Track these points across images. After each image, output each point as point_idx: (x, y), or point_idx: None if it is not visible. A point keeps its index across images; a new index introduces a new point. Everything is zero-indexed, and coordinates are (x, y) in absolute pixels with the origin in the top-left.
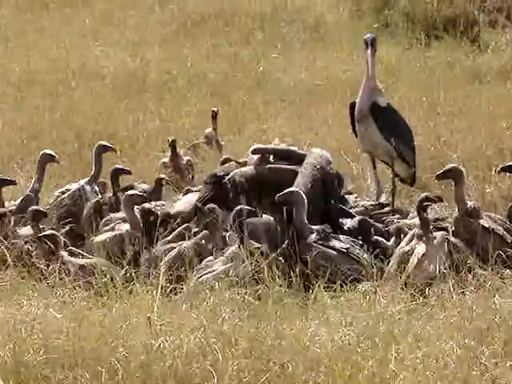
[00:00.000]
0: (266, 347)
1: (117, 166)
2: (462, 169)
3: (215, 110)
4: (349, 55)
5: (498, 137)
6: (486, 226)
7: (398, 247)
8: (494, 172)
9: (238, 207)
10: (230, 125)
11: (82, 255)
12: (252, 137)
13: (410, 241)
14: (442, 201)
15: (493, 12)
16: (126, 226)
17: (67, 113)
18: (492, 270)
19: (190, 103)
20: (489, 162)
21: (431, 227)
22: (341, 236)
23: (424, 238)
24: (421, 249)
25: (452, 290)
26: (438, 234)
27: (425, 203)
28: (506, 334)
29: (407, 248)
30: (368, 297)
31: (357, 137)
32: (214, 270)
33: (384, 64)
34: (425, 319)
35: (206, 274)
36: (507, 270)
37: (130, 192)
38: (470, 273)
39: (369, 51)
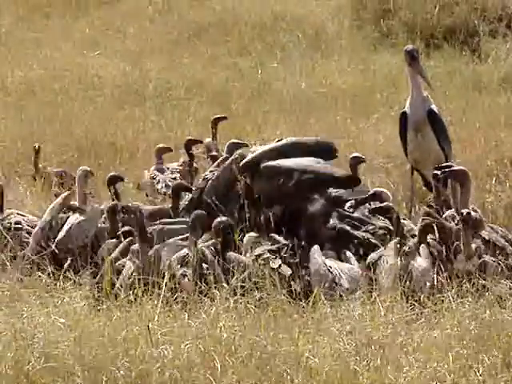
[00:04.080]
0: (265, 356)
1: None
2: (469, 173)
3: (219, 116)
4: (348, 65)
5: (499, 146)
6: (487, 238)
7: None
8: (494, 181)
9: None
10: (230, 134)
11: None
12: (252, 146)
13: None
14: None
15: (493, 22)
16: None
17: (67, 122)
18: (492, 280)
19: (190, 112)
20: (489, 172)
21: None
22: None
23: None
24: (421, 262)
25: (451, 299)
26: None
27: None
28: (506, 344)
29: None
30: (367, 306)
31: (405, 146)
32: None
33: (384, 73)
34: (424, 329)
35: None
36: (507, 281)
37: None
38: (469, 282)
39: (410, 63)
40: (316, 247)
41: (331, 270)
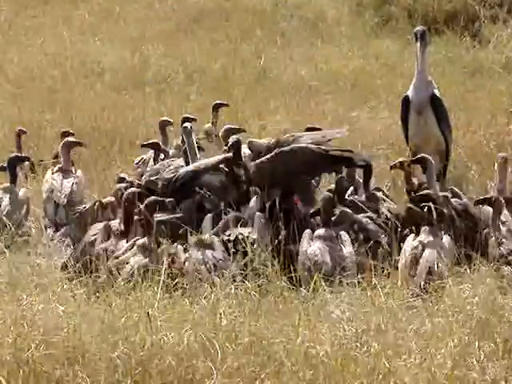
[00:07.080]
0: (266, 343)
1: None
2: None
3: (220, 102)
4: (349, 50)
5: (499, 132)
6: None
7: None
8: (494, 167)
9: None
10: (230, 120)
11: None
12: (252, 132)
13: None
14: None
15: (494, 7)
16: None
17: (67, 109)
18: (492, 265)
19: (190, 99)
20: (490, 157)
21: None
22: None
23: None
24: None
25: (452, 285)
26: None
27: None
28: (506, 330)
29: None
30: (368, 292)
31: (406, 131)
32: None
33: (384, 59)
34: (424, 315)
35: None
36: (508, 266)
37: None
38: (469, 268)
39: (418, 44)
40: (307, 231)
41: (310, 257)
